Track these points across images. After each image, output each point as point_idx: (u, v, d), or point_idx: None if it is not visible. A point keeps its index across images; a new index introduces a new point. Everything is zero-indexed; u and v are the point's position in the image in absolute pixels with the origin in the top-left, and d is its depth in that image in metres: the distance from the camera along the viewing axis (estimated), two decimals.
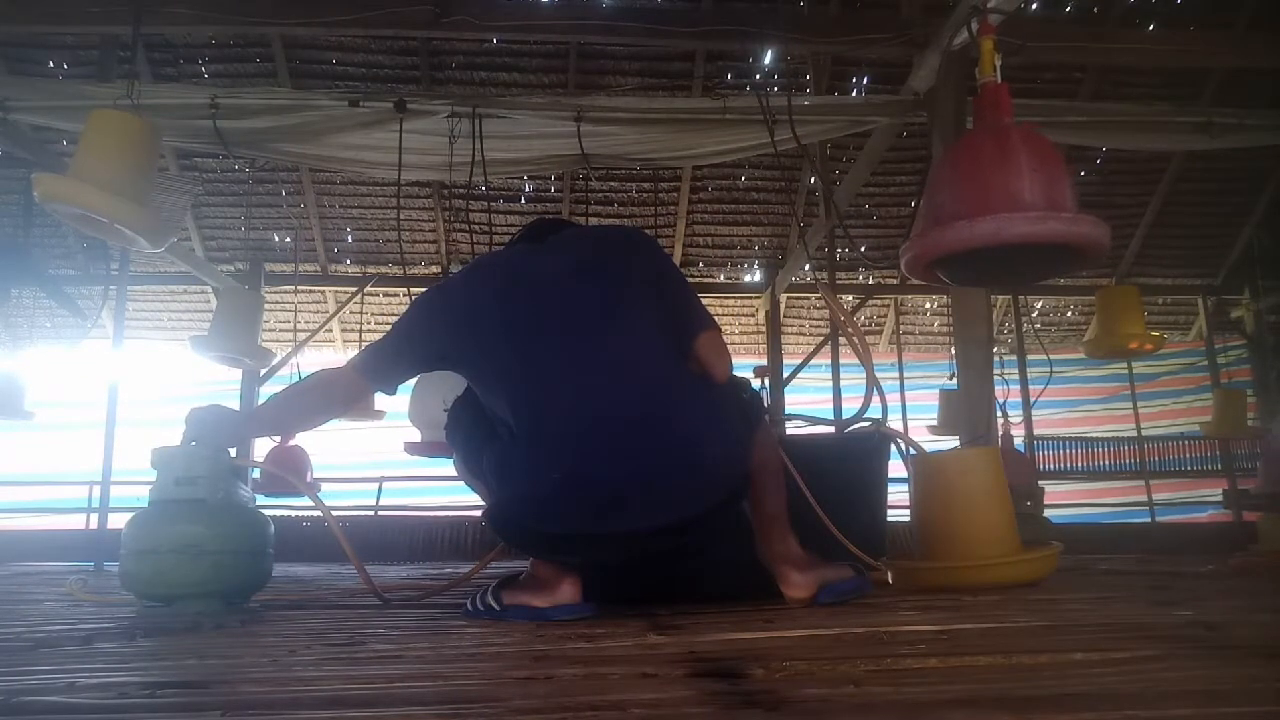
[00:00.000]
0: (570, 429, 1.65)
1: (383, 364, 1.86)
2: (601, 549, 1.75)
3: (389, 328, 1.91)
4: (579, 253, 1.85)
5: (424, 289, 2.05)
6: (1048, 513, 4.60)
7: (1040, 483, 4.85)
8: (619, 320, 1.75)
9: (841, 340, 5.32)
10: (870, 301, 6.95)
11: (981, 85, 2.32)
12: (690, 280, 6.76)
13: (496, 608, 1.75)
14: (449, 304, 1.82)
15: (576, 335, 1.72)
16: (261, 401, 2.12)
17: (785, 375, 5.71)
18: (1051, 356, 5.65)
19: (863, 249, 6.08)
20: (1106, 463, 6.64)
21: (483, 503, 1.94)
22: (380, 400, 5.63)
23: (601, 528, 1.68)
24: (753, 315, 6.98)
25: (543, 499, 1.66)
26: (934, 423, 6.19)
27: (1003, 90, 2.30)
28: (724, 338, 1.93)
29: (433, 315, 1.84)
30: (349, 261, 6.53)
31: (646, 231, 2.01)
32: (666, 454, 1.65)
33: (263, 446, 5.19)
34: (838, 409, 5.33)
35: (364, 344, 6.90)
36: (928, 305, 7.23)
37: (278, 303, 6.38)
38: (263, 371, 5.35)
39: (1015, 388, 5.83)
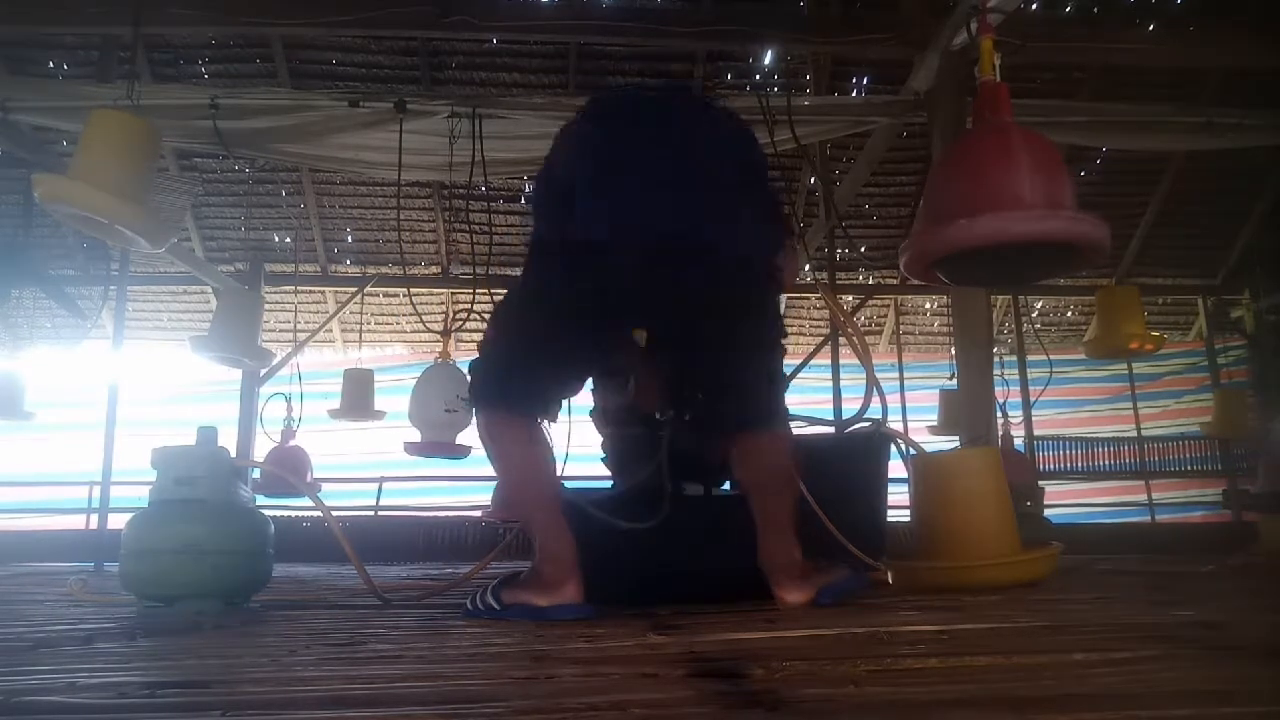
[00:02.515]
0: (631, 203, 1.75)
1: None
2: (647, 297, 1.79)
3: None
4: (696, 145, 1.87)
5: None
6: (1048, 513, 4.60)
7: (1040, 483, 4.85)
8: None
9: (841, 340, 5.32)
10: (870, 301, 6.94)
11: (980, 84, 2.32)
12: None
13: (496, 607, 1.75)
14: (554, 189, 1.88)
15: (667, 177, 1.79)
16: None
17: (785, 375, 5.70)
18: (1051, 357, 5.64)
19: (863, 249, 6.08)
20: (1106, 463, 6.64)
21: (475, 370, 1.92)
22: (380, 400, 5.64)
23: (651, 276, 1.74)
24: None
25: (594, 247, 1.72)
26: (934, 423, 6.19)
27: (1001, 89, 2.30)
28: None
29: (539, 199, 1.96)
30: (349, 261, 6.53)
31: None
32: (713, 231, 1.77)
33: (263, 446, 5.20)
34: (838, 409, 5.32)
35: (363, 345, 6.91)
36: (928, 305, 7.23)
37: (278, 303, 6.38)
38: (263, 372, 5.35)
39: (1015, 388, 5.83)
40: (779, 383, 2.01)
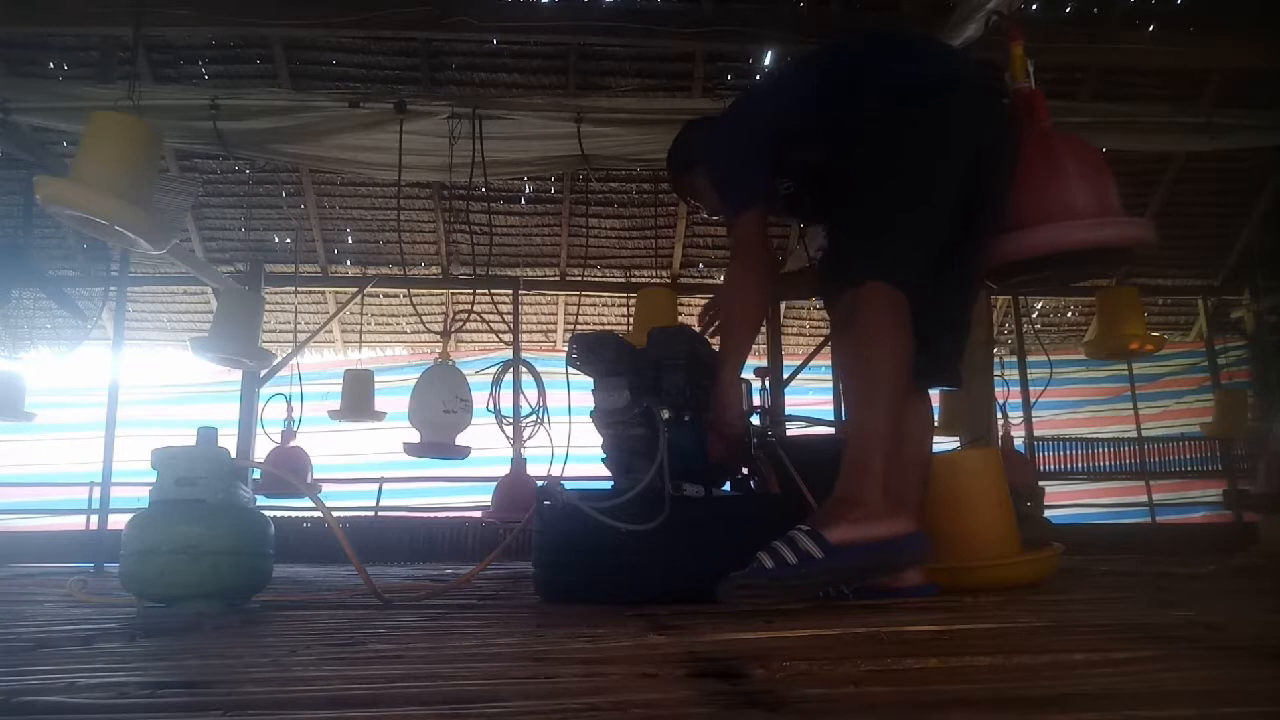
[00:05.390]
0: None
1: None
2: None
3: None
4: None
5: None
6: (1048, 513, 4.60)
7: (1040, 483, 4.86)
8: None
9: None
10: None
11: (1016, 92, 2.33)
12: (690, 281, 6.73)
13: (819, 554, 1.54)
14: None
15: None
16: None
17: (785, 376, 5.71)
18: (1051, 357, 5.64)
19: None
20: (1107, 463, 6.63)
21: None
22: (380, 401, 5.64)
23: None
24: None
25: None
26: (934, 423, 6.18)
27: (1039, 95, 2.31)
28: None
29: None
30: (349, 262, 6.52)
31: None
32: None
33: (263, 447, 5.20)
34: (838, 410, 5.33)
35: (363, 345, 6.89)
36: None
37: (278, 304, 6.38)
38: (263, 373, 5.35)
39: (1015, 388, 5.83)
40: None
